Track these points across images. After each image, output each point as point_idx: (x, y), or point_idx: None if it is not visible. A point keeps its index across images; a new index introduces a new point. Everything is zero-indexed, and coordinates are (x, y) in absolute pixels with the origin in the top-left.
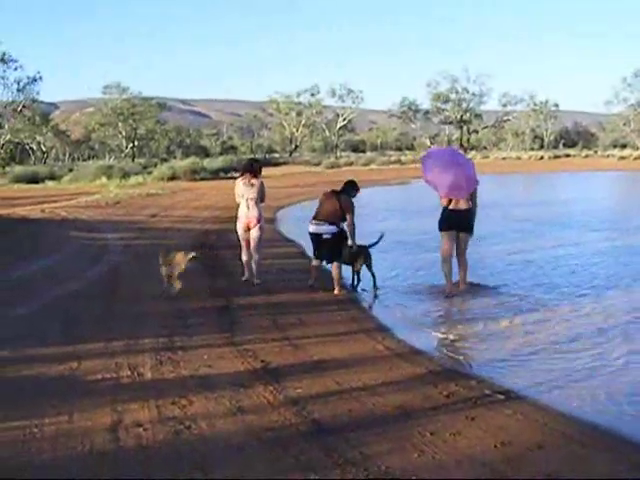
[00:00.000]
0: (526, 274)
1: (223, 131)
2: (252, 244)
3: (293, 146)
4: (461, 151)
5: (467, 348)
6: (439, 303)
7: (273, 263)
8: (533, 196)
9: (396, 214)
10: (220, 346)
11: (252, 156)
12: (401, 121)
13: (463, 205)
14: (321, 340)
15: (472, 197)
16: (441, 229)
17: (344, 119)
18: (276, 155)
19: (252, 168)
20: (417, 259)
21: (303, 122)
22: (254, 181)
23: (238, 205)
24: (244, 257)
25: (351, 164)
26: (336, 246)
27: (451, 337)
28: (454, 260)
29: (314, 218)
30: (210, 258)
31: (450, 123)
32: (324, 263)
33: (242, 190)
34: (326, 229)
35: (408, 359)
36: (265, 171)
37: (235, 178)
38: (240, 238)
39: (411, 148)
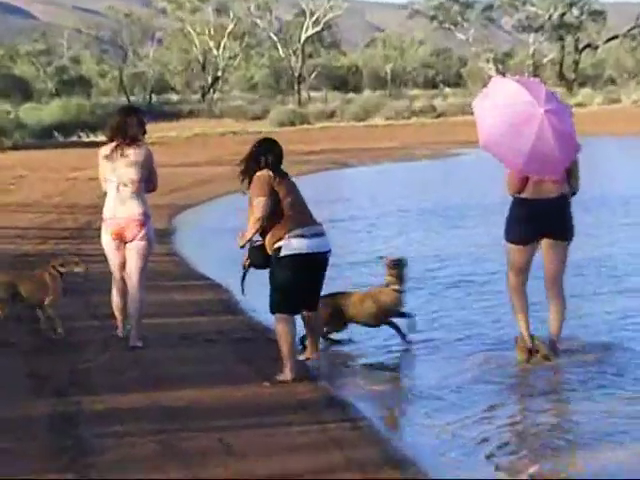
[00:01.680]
0: None
1: (61, 46)
2: (132, 271)
3: (210, 79)
4: (554, 90)
5: None
6: (510, 391)
7: (169, 323)
8: None
9: (424, 219)
10: None
11: (126, 103)
12: (434, 26)
13: (553, 190)
14: None
15: (570, 175)
16: (510, 239)
17: (316, 21)
18: (174, 97)
19: (129, 127)
20: (463, 304)
21: (230, 29)
22: (133, 151)
23: (104, 195)
24: (115, 298)
25: (331, 116)
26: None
27: None
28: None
29: (307, 224)
30: (35, 315)
31: (538, 30)
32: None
33: (111, 169)
34: (328, 242)
35: None
36: (152, 131)
37: (95, 144)
38: (110, 261)
39: (457, 82)
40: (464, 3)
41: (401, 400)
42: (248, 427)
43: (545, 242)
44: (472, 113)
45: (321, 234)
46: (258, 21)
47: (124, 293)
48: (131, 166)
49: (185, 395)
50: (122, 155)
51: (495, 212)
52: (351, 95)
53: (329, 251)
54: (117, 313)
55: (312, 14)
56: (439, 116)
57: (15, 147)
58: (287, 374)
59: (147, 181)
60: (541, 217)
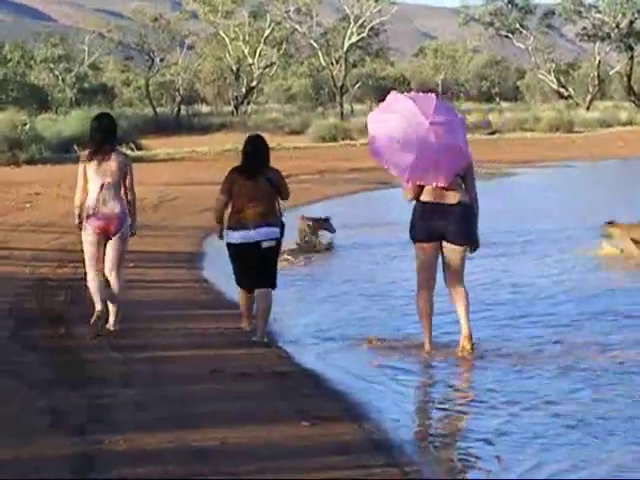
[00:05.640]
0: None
1: (82, 52)
2: (110, 262)
3: (244, 89)
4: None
5: None
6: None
7: (198, 355)
8: None
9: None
10: None
11: (153, 114)
12: (490, 34)
13: (452, 197)
14: None
15: (466, 183)
16: (414, 238)
17: (361, 27)
18: (204, 109)
19: (108, 136)
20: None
21: (267, 34)
22: (113, 157)
23: (81, 201)
24: (93, 283)
25: None
26: (276, 259)
27: None
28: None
29: (238, 222)
30: (52, 345)
31: (604, 39)
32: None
33: (93, 173)
34: (267, 232)
35: None
36: (181, 145)
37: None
38: (87, 254)
39: (514, 95)
40: (523, 8)
41: (458, 444)
42: (285, 471)
43: (445, 246)
44: (531, 130)
45: (250, 228)
46: (297, 26)
47: (100, 279)
48: (110, 169)
49: (216, 435)
50: (104, 159)
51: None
52: None
53: (263, 240)
54: (95, 295)
55: (357, 19)
56: (494, 132)
57: (31, 161)
58: (244, 324)
59: (128, 181)
60: (439, 219)
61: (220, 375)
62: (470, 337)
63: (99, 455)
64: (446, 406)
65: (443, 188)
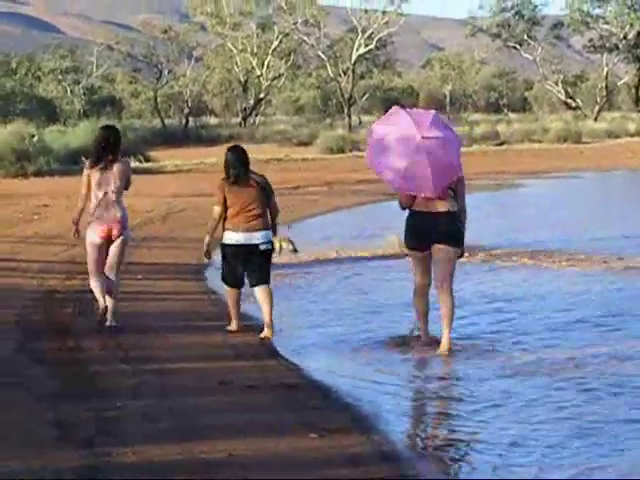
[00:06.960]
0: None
1: (91, 64)
2: (110, 263)
3: (252, 101)
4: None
5: None
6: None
7: (206, 367)
8: None
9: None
10: None
11: (161, 125)
12: (498, 45)
13: (441, 206)
14: None
15: (457, 196)
16: (407, 246)
17: (369, 37)
18: (212, 120)
19: (111, 148)
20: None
21: (275, 45)
22: (115, 166)
23: (83, 205)
24: (96, 284)
25: None
26: (270, 259)
27: None
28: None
29: (237, 225)
30: (59, 357)
31: (611, 50)
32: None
33: (96, 183)
34: (264, 236)
35: None
36: (189, 157)
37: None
38: (90, 257)
39: (522, 107)
40: (531, 20)
41: (466, 455)
42: None
43: (434, 248)
44: (539, 141)
45: (249, 230)
46: (306, 39)
47: (102, 280)
48: (114, 177)
49: (224, 446)
50: (108, 168)
51: None
52: None
53: (260, 243)
54: (99, 294)
55: (364, 31)
56: (502, 143)
57: (39, 173)
58: (233, 326)
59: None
60: (429, 227)
61: (228, 387)
62: (449, 348)
63: (107, 467)
64: (454, 416)
65: (432, 199)
